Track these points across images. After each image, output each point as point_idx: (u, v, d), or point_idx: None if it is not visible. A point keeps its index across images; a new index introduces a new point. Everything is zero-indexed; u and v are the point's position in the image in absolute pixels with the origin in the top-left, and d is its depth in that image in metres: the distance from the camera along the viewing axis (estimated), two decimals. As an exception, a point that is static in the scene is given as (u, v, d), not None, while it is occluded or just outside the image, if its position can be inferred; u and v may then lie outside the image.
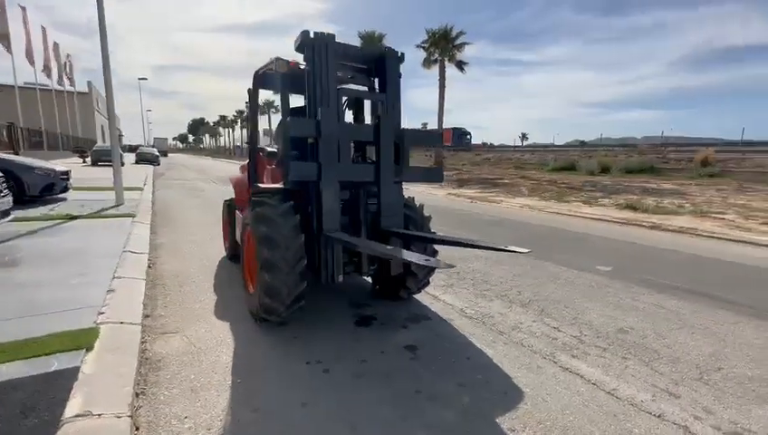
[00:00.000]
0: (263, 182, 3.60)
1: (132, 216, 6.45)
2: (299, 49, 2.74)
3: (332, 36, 2.70)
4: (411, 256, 1.97)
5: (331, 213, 2.60)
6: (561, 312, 3.18)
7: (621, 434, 1.78)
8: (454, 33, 22.75)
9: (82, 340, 2.27)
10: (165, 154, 44.55)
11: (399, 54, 2.91)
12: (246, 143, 4.31)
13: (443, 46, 23.25)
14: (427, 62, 24.25)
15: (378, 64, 2.94)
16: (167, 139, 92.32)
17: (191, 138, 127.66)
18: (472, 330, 2.82)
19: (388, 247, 2.46)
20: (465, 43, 23.03)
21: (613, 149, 29.38)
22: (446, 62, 23.50)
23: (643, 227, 7.29)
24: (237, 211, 4.01)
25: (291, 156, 3.26)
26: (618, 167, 18.17)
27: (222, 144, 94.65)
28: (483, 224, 7.41)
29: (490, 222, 7.58)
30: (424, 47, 24.40)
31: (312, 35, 2.63)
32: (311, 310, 2.92)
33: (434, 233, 3.14)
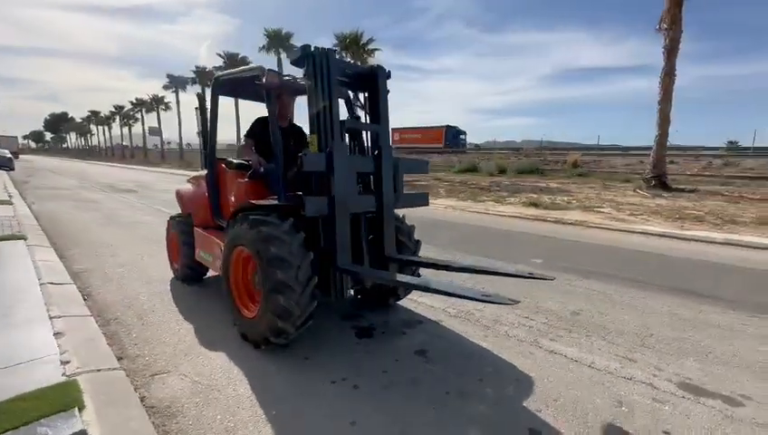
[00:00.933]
0: (235, 197, 3.37)
1: (23, 238, 5.30)
2: (297, 62, 2.68)
3: (333, 51, 2.70)
4: (468, 292, 2.10)
5: (344, 246, 2.62)
6: (523, 301, 3.67)
7: (614, 398, 2.22)
8: (365, 39, 23.36)
9: (66, 398, 1.91)
10: (16, 156, 36.52)
11: (388, 72, 3.03)
12: (203, 152, 3.95)
13: (354, 50, 23.69)
14: (338, 66, 24.44)
15: (367, 81, 3.01)
16: (16, 137, 75.22)
17: (49, 136, 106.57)
18: (462, 328, 3.10)
19: (443, 283, 2.53)
20: (375, 49, 23.85)
21: (503, 152, 33.41)
22: (357, 67, 23.98)
23: (549, 222, 8.56)
24: (199, 229, 3.66)
25: (271, 169, 3.16)
26: (512, 168, 20.75)
27: (95, 144, 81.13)
28: (422, 226, 7.87)
29: (426, 224, 8.08)
30: (335, 50, 24.56)
31: (313, 49, 2.60)
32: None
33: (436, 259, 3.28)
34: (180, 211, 4.12)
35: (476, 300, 2.06)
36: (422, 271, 3.29)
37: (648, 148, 14.88)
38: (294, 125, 3.72)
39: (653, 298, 3.84)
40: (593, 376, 2.44)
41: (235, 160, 3.66)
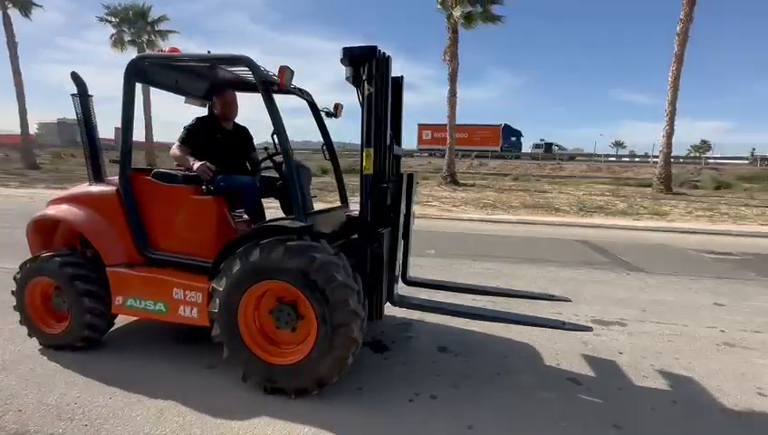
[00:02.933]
0: (193, 219, 2.59)
1: None
2: (354, 62, 2.37)
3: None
4: (548, 322, 2.41)
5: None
6: (479, 281, 4.24)
7: (598, 347, 3.01)
8: (155, 16, 19.50)
9: None
10: None
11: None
12: (113, 161, 2.72)
13: (139, 28, 19.44)
14: (118, 43, 19.52)
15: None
16: None
17: None
18: (444, 319, 3.39)
19: (514, 314, 2.72)
20: (171, 31, 20.22)
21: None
22: (145, 48, 19.83)
23: None
24: (120, 270, 2.57)
25: (243, 182, 2.69)
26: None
27: None
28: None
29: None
30: (109, 20, 19.44)
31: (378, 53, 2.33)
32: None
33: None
34: (38, 251, 2.78)
35: (552, 327, 2.46)
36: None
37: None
38: (237, 125, 3.13)
39: (527, 268, 5.20)
40: (571, 335, 3.18)
41: (163, 170, 2.82)
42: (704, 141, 49.76)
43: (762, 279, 4.99)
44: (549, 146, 31.35)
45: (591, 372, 2.64)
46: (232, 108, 2.97)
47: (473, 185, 17.51)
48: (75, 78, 2.70)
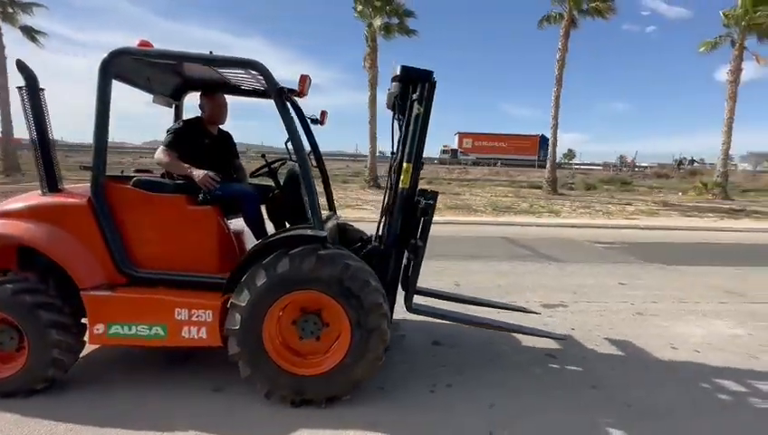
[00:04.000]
0: (188, 232, 2.38)
1: None
2: (406, 80, 2.45)
3: None
4: (533, 331, 2.82)
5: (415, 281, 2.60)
6: (443, 279, 4.59)
7: (556, 326, 3.54)
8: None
9: None
10: None
11: None
12: (84, 168, 2.28)
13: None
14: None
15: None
16: None
17: None
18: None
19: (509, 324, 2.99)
20: (34, 4, 16.69)
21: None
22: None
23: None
24: (100, 293, 2.22)
25: (243, 191, 2.62)
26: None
27: None
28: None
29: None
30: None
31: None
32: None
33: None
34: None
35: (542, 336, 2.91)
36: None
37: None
38: (221, 130, 2.95)
39: (474, 264, 5.77)
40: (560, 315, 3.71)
41: (146, 178, 2.57)
42: (570, 150, 59.53)
43: (641, 262, 6.34)
44: (455, 152, 34.32)
45: (560, 347, 3.14)
46: (223, 111, 2.80)
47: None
48: (21, 67, 2.26)
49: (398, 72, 2.50)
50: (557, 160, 18.00)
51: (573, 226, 10.29)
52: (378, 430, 2.05)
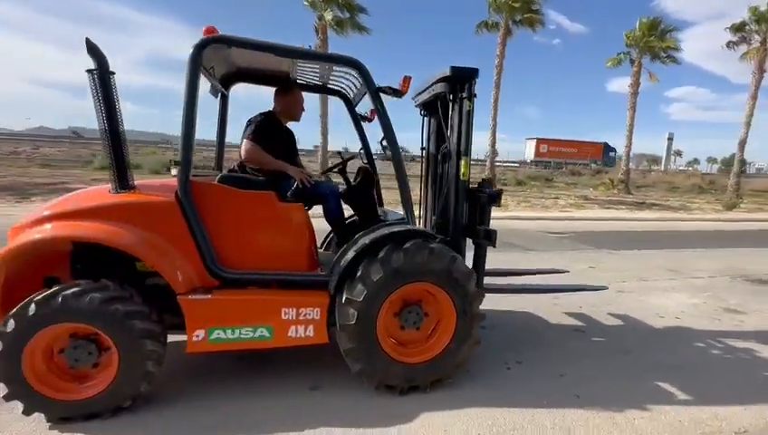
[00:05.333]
0: (277, 231, 2.32)
1: None
2: (460, 79, 2.55)
3: None
4: (584, 287, 3.25)
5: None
6: None
7: (565, 306, 4.06)
8: None
9: None
10: None
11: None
12: (175, 163, 2.03)
13: None
14: None
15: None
16: None
17: None
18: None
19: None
20: None
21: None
22: None
23: None
24: (198, 297, 2.06)
25: (329, 187, 2.66)
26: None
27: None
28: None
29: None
30: None
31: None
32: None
33: None
34: None
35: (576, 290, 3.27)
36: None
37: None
38: (287, 126, 2.89)
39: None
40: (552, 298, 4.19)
41: (233, 174, 2.48)
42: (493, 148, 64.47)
43: (593, 248, 7.32)
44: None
45: (581, 322, 3.64)
46: (300, 107, 2.76)
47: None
48: (92, 49, 2.01)
49: (449, 73, 2.60)
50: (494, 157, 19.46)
51: (520, 218, 11.34)
52: (488, 405, 2.26)
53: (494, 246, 2.71)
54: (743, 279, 5.46)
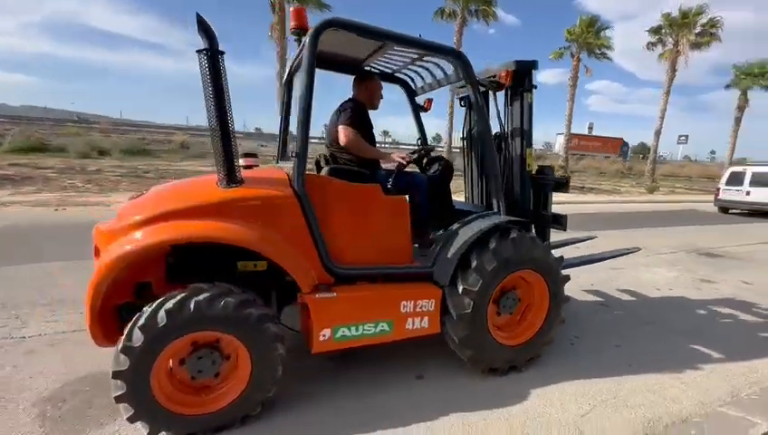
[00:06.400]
0: (383, 222, 2.29)
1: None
2: (524, 72, 2.56)
3: None
4: (621, 252, 3.47)
5: None
6: None
7: (581, 283, 4.46)
8: None
9: None
10: None
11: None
12: (294, 155, 1.83)
13: None
14: None
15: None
16: None
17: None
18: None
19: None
20: None
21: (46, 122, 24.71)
22: None
23: None
24: (324, 295, 1.97)
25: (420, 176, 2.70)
26: (117, 148, 16.99)
27: None
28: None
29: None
30: None
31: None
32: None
33: None
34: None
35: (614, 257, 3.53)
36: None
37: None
38: None
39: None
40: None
41: (341, 166, 2.40)
42: (438, 134, 66.34)
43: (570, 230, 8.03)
44: None
45: (602, 299, 4.05)
46: (380, 95, 2.66)
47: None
48: (203, 26, 1.80)
49: (514, 67, 2.64)
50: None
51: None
52: (579, 377, 2.49)
53: (565, 230, 2.91)
54: (697, 253, 6.40)
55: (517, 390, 2.33)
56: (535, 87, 2.68)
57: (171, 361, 1.80)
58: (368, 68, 2.92)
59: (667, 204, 14.47)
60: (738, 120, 25.10)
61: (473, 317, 2.26)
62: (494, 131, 2.73)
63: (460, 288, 2.25)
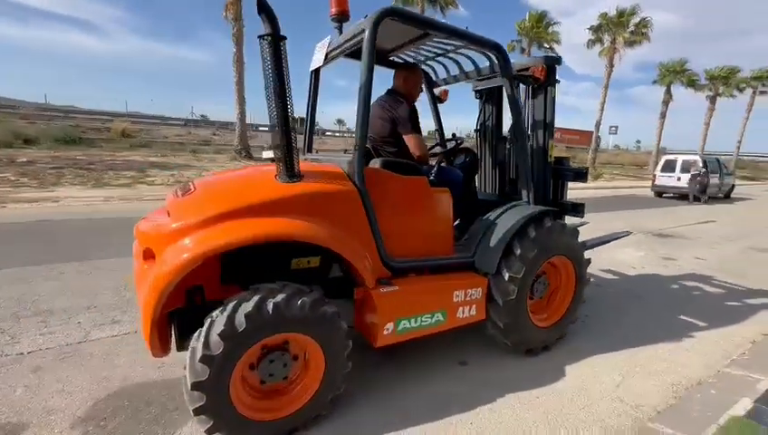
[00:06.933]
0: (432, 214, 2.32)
1: None
2: (553, 67, 2.65)
3: None
4: (615, 236, 3.69)
5: None
6: None
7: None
8: None
9: None
10: None
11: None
12: (356, 148, 1.72)
13: None
14: None
15: None
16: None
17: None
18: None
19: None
20: None
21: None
22: None
23: None
24: (385, 289, 1.95)
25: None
26: (48, 136, 15.14)
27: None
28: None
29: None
30: None
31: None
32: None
33: None
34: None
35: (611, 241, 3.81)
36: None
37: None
38: None
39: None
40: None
41: (393, 159, 2.39)
42: (340, 119, 66.97)
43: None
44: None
45: (593, 278, 4.39)
46: (420, 89, 2.63)
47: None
48: (264, 9, 1.69)
49: (547, 63, 2.78)
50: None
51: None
52: (601, 351, 2.71)
53: (582, 217, 3.10)
54: (652, 234, 7.12)
55: (554, 368, 2.50)
56: (558, 81, 2.81)
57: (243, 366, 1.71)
58: (393, 58, 2.88)
59: (611, 190, 15.86)
60: (663, 114, 27.95)
61: (516, 303, 2.37)
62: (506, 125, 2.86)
63: (506, 275, 2.34)
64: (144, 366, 2.29)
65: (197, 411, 1.56)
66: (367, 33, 1.91)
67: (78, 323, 2.80)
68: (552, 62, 2.78)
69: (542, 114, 2.89)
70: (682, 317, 3.43)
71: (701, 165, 13.07)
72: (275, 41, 1.70)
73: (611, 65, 24.16)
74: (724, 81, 28.75)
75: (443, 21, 2.21)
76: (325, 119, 50.47)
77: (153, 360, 1.99)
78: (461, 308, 2.29)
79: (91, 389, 2.09)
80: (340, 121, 56.30)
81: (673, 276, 4.64)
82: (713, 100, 29.68)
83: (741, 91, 29.72)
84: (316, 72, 2.69)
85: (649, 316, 3.42)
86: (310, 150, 2.81)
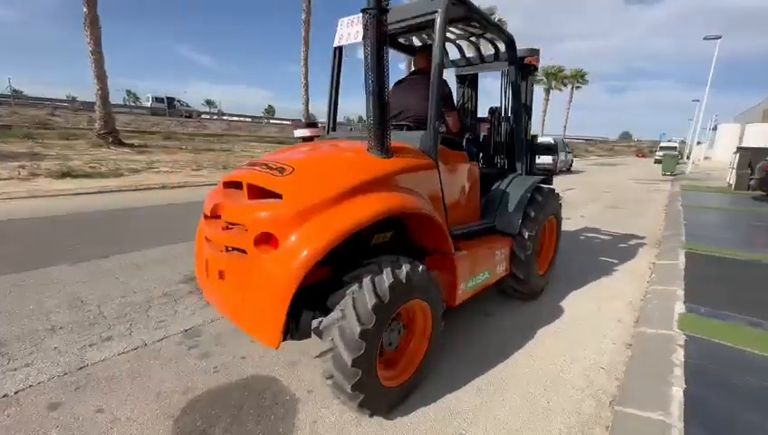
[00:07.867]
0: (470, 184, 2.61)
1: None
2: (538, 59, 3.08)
3: None
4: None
5: None
6: None
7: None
8: None
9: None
10: None
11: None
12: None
13: None
14: None
15: None
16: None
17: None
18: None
19: None
20: None
21: None
22: None
23: (152, 190, 7.76)
24: (459, 254, 2.15)
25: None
26: None
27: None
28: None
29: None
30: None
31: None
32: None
33: None
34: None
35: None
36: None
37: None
38: None
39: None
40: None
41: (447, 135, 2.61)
42: (270, 106, 62.98)
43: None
44: (171, 101, 28.50)
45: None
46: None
47: (143, 145, 14.43)
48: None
49: (537, 57, 3.31)
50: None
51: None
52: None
53: (551, 184, 3.76)
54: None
55: (553, 308, 3.09)
56: (536, 69, 3.34)
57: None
58: (402, 40, 2.98)
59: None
60: (545, 111, 33.46)
61: (532, 256, 2.86)
62: (489, 106, 3.32)
63: (526, 235, 2.79)
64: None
65: (355, 387, 1.57)
66: (438, 25, 2.03)
67: (98, 335, 2.24)
68: (538, 54, 3.29)
69: (524, 98, 3.39)
70: (601, 258, 4.49)
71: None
72: (379, 14, 1.71)
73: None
74: (554, 77, 35.62)
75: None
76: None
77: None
78: (498, 265, 2.66)
79: (158, 408, 1.79)
80: (209, 102, 50.79)
81: (576, 231, 5.91)
82: (547, 92, 36.53)
83: (565, 85, 37.30)
84: (340, 49, 2.63)
85: (586, 261, 4.38)
86: (334, 129, 2.75)
